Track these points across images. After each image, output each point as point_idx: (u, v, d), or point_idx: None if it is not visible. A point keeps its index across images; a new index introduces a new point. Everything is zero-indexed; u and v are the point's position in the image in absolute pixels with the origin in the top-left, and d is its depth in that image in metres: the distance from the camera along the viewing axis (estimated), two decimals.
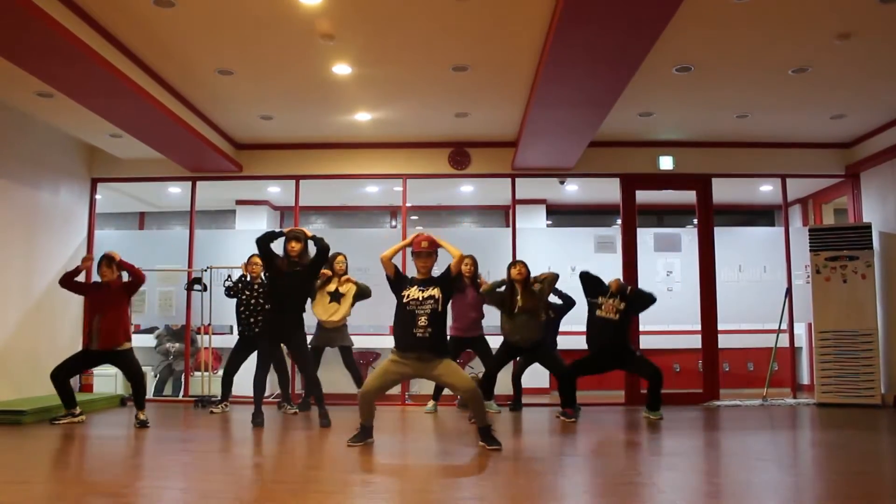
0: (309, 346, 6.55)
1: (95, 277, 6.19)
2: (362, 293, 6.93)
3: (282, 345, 6.48)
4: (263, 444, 5.21)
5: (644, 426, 6.03)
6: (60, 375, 5.91)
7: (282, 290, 5.99)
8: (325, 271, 6.81)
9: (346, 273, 7.04)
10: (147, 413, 6.02)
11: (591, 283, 6.64)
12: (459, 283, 6.83)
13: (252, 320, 6.89)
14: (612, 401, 7.84)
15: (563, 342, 9.28)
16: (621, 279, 6.94)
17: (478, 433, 4.77)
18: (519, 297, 6.50)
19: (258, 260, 6.88)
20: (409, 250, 5.05)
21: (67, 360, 6.02)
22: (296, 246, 5.97)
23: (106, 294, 5.97)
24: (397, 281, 4.90)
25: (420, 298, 4.74)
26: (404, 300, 4.77)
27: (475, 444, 4.80)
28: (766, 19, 4.97)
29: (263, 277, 6.81)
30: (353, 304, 6.93)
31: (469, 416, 5.92)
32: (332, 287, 6.91)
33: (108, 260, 6.02)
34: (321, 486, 3.71)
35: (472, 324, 6.87)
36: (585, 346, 6.72)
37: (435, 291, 4.77)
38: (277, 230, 6.12)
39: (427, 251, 4.90)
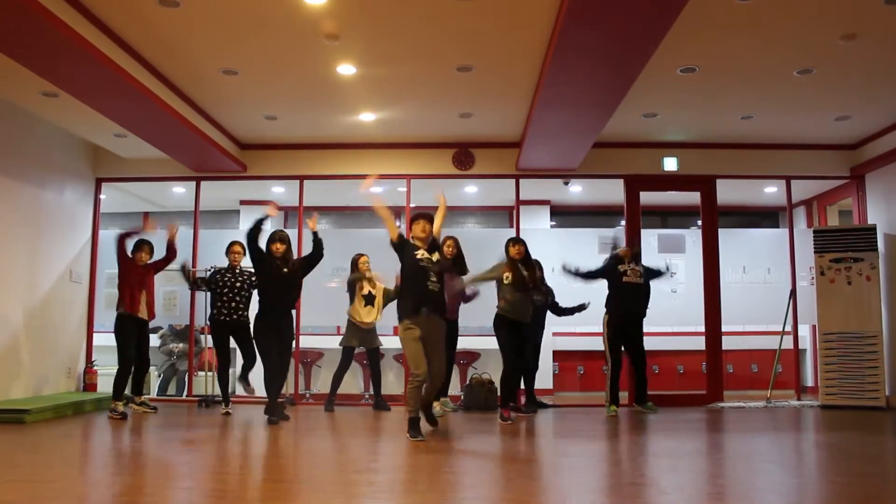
0: (339, 346, 7.19)
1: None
2: (391, 297, 7.13)
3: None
4: (267, 443, 5.21)
5: (647, 427, 6.01)
6: (128, 366, 6.53)
7: (275, 288, 6.15)
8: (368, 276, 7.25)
9: (369, 271, 7.26)
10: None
11: (590, 275, 7.01)
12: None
13: (233, 304, 6.71)
14: None
15: (563, 343, 9.33)
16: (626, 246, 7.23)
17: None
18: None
19: (240, 248, 6.86)
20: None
21: (125, 348, 6.52)
22: (280, 247, 6.15)
23: (146, 272, 6.77)
24: (402, 244, 5.33)
25: (431, 259, 5.30)
26: (417, 257, 5.24)
27: (474, 444, 4.81)
28: (771, 20, 4.96)
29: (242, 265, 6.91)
30: (385, 306, 7.19)
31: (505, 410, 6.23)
32: (365, 290, 7.18)
33: (147, 244, 6.84)
34: (324, 486, 3.71)
35: (455, 307, 6.86)
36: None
37: (436, 256, 5.36)
38: (259, 220, 6.20)
39: (426, 218, 5.41)
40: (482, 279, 6.44)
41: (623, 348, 6.92)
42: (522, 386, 7.15)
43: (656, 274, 7.17)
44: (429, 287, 5.17)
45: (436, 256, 5.32)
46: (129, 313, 6.56)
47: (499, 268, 6.37)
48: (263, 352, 6.12)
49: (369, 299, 7.18)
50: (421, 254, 5.25)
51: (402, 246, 5.31)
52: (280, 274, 6.12)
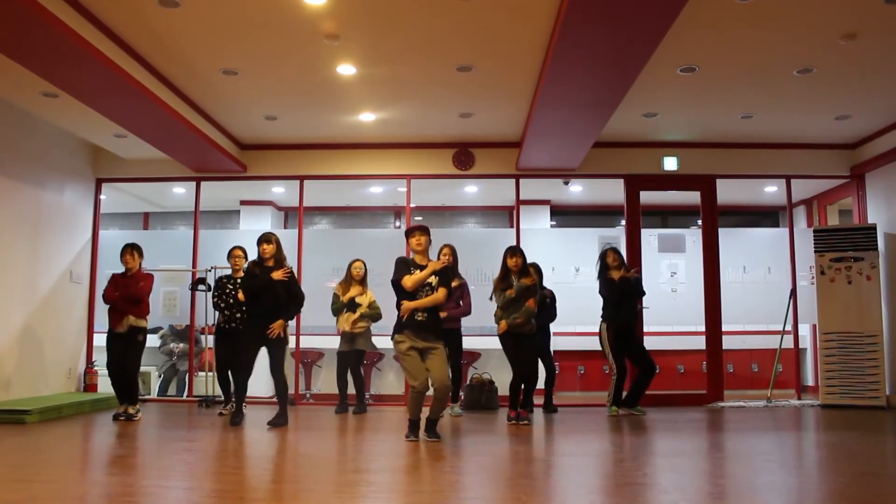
0: (336, 352, 7.14)
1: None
2: (371, 317, 7.09)
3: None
4: (266, 444, 5.21)
5: (647, 427, 6.01)
6: (114, 372, 6.27)
7: (261, 293, 5.91)
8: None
9: (364, 278, 7.15)
10: (134, 408, 6.27)
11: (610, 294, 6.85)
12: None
13: (236, 313, 6.69)
14: None
15: (563, 343, 9.33)
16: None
17: (425, 422, 5.07)
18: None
19: (240, 252, 6.84)
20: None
21: (109, 355, 6.28)
22: (268, 248, 5.95)
23: (129, 282, 6.31)
24: (399, 274, 5.11)
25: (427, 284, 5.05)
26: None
27: (474, 444, 4.80)
28: (771, 20, 4.96)
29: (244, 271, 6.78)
30: (367, 320, 7.07)
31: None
32: (348, 296, 7.07)
33: (131, 248, 6.39)
34: (323, 486, 3.72)
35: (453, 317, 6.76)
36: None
37: (432, 280, 5.06)
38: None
39: (421, 230, 5.18)
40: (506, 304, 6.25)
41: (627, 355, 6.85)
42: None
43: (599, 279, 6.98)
44: (415, 317, 4.98)
45: (429, 280, 5.03)
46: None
47: (496, 285, 6.34)
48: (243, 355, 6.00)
49: (351, 305, 7.05)
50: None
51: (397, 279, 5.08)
52: (259, 279, 5.88)
